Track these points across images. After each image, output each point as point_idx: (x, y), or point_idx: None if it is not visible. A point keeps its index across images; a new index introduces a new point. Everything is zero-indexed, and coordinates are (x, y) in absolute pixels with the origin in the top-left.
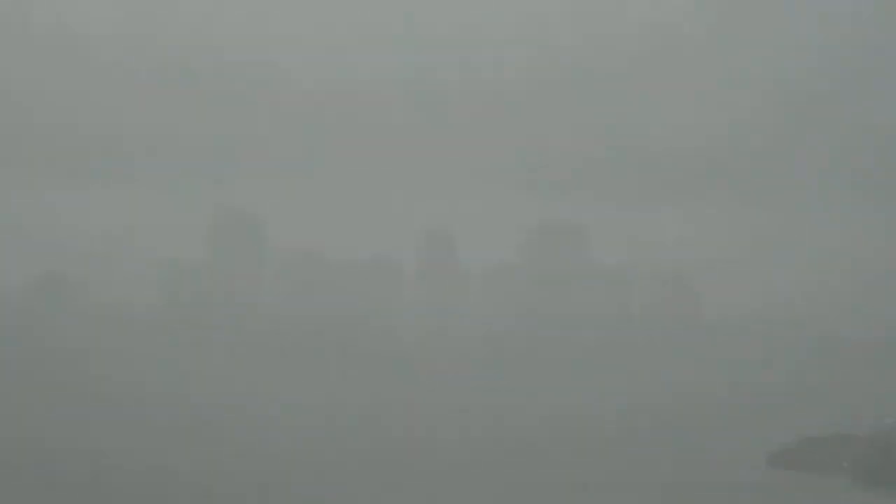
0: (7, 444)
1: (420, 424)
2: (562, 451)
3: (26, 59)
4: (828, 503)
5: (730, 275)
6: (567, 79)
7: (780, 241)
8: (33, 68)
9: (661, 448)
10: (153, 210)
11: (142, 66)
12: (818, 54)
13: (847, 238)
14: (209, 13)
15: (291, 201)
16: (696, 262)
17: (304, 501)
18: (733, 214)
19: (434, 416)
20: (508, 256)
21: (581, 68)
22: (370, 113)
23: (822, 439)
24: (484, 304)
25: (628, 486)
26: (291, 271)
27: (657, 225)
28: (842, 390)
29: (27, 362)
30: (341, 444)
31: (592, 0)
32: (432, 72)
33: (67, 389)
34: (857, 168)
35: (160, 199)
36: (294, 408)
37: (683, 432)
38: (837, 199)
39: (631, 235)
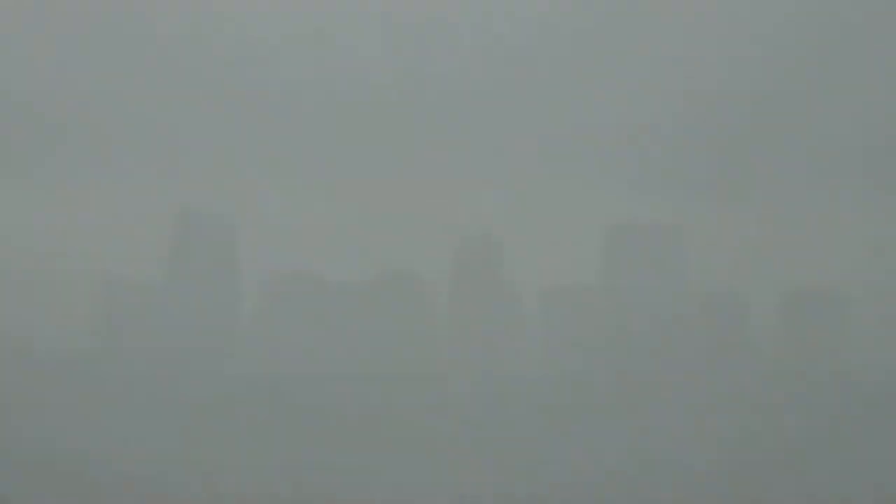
0: None
1: None
2: None
3: None
4: None
5: None
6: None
7: None
8: None
9: None
10: (89, 214)
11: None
12: None
13: None
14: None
15: (277, 209)
16: (850, 282)
17: None
18: None
19: None
20: (575, 273)
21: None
22: (375, 95)
23: None
24: (543, 337)
25: None
26: (278, 298)
27: (783, 227)
28: None
29: None
30: None
31: None
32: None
33: None
34: None
35: (100, 199)
36: None
37: None
38: None
39: (744, 241)
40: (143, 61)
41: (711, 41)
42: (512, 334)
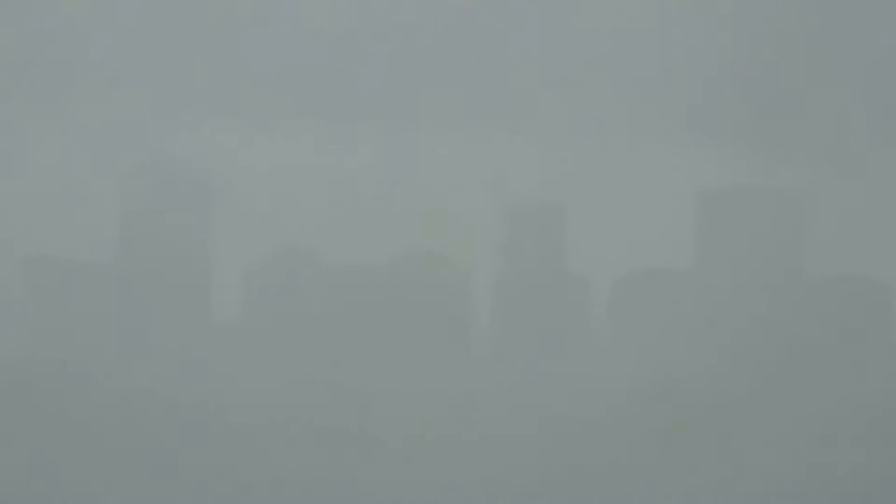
0: None
1: None
2: None
3: None
4: None
5: None
6: None
7: None
8: None
9: None
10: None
11: None
12: None
13: None
14: None
15: (264, 171)
16: None
17: None
18: None
19: None
20: (652, 255)
21: None
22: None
23: None
24: (615, 346)
25: None
26: (268, 286)
27: None
28: None
29: None
30: None
31: None
32: None
33: None
34: None
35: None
36: None
37: None
38: None
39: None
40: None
41: None
42: (575, 333)
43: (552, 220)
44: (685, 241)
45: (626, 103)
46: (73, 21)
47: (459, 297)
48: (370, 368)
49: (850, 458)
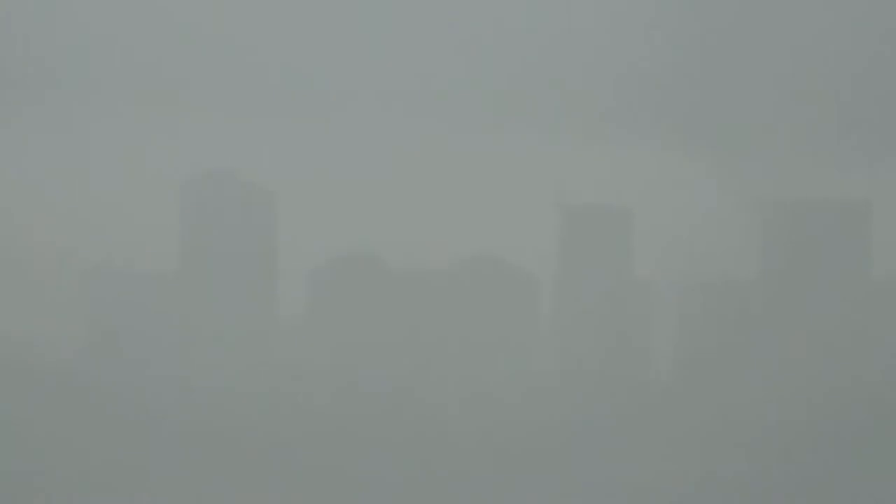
0: None
1: None
2: None
3: None
4: None
5: None
6: None
7: None
8: None
9: None
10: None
11: None
12: None
13: None
14: None
15: (318, 173)
16: None
17: None
18: None
19: None
20: (724, 263)
21: None
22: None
23: None
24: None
25: None
26: (332, 288)
27: None
28: None
29: None
30: None
31: None
32: None
33: None
34: None
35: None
36: None
37: None
38: None
39: None
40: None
41: None
42: (636, 341)
43: (615, 223)
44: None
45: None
46: (132, 32)
47: (520, 301)
48: (430, 370)
49: None
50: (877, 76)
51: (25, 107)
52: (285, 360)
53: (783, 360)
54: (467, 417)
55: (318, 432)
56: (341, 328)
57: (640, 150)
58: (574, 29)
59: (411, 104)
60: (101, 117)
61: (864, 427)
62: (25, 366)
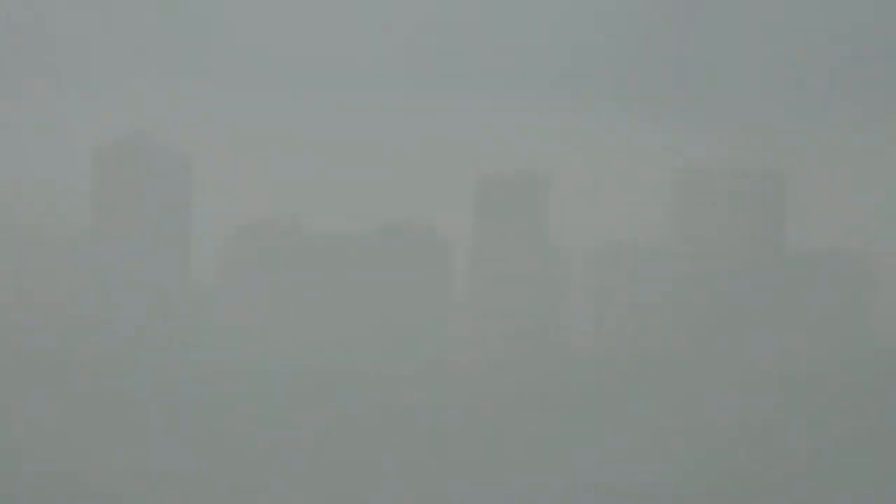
0: None
1: None
2: None
3: None
4: None
5: None
6: None
7: None
8: None
9: None
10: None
11: None
12: None
13: None
14: None
15: (235, 137)
16: None
17: None
18: None
19: None
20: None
21: None
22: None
23: None
24: (590, 318)
25: None
26: (247, 254)
27: None
28: None
29: None
30: None
31: None
32: None
33: None
34: None
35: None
36: None
37: None
38: None
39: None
40: None
41: None
42: (553, 302)
43: (532, 190)
44: (662, 218)
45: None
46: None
47: (439, 266)
48: (345, 335)
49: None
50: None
51: None
52: (198, 323)
53: (695, 325)
54: (380, 382)
55: (229, 395)
56: (256, 292)
57: (555, 117)
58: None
59: (330, 68)
60: (12, 85)
61: (763, 389)
62: None
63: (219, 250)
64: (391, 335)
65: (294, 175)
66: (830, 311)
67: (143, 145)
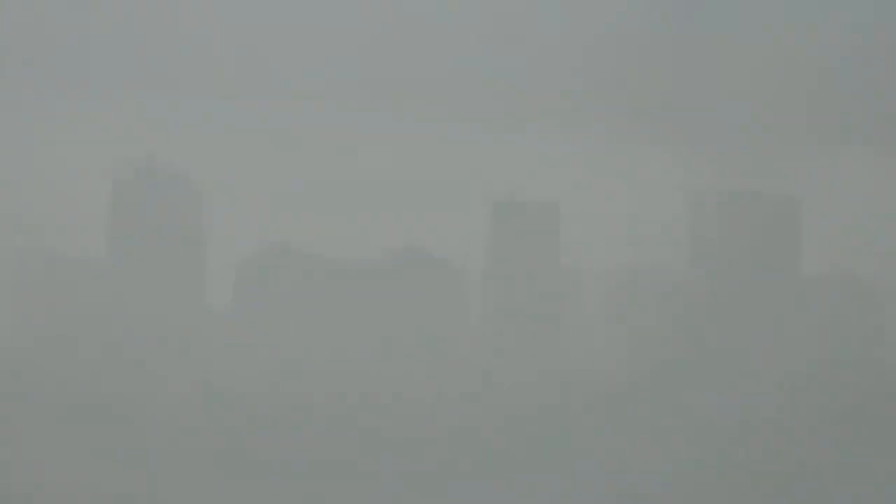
0: None
1: None
2: None
3: None
4: None
5: None
6: None
7: None
8: None
9: None
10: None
11: None
12: None
13: None
14: None
15: (247, 166)
16: None
17: None
18: None
19: None
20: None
21: None
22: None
23: None
24: (607, 340)
25: None
26: (260, 279)
27: None
28: None
29: None
30: None
31: None
32: None
33: None
34: None
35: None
36: None
37: None
38: None
39: None
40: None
41: None
42: (567, 325)
43: (546, 215)
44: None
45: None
46: (66, 24)
47: (450, 292)
48: (357, 362)
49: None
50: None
51: None
52: (213, 350)
53: (709, 349)
54: (394, 408)
55: (245, 420)
56: (268, 319)
57: (567, 144)
58: (507, 27)
59: (343, 98)
60: (35, 111)
61: (785, 412)
62: None
63: (232, 276)
64: (404, 360)
65: (307, 201)
66: (844, 332)
67: (156, 172)
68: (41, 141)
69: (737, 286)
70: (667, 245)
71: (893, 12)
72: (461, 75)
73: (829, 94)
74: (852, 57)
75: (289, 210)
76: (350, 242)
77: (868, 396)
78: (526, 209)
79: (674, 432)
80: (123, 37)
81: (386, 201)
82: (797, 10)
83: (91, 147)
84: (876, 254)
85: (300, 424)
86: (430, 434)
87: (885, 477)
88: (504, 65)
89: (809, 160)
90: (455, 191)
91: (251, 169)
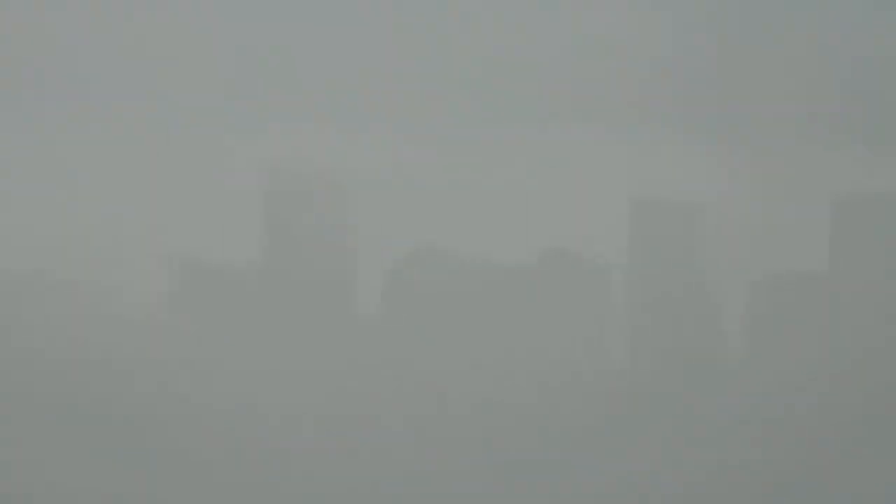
0: None
1: None
2: None
3: None
4: None
5: None
6: None
7: None
8: None
9: None
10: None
11: None
12: None
13: None
14: None
15: (396, 169)
16: None
17: None
18: None
19: None
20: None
21: None
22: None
23: None
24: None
25: None
26: (407, 283)
27: None
28: None
29: None
30: None
31: None
32: None
33: None
34: None
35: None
36: None
37: None
38: None
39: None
40: None
41: None
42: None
43: (687, 218)
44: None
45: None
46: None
47: (595, 294)
48: (506, 364)
49: None
50: None
51: (113, 104)
52: (363, 353)
53: (847, 354)
54: (543, 410)
55: (396, 427)
56: (418, 323)
57: (704, 146)
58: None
59: (487, 100)
60: (188, 114)
61: None
62: (117, 357)
63: (383, 280)
64: (550, 359)
65: (454, 205)
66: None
67: (310, 177)
68: (195, 148)
69: (876, 293)
70: (806, 249)
71: None
72: (597, 77)
73: None
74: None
75: (435, 212)
76: (497, 244)
77: None
78: (664, 209)
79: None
80: (277, 42)
81: (531, 202)
82: None
83: (246, 153)
84: None
85: (454, 425)
86: (578, 429)
87: None
88: (636, 64)
89: None
90: (597, 191)
91: (399, 173)
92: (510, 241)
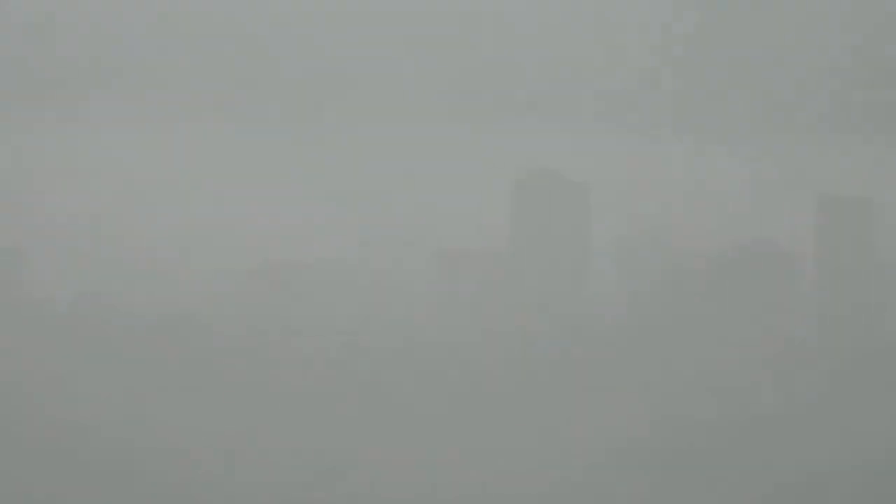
0: None
1: None
2: None
3: None
4: None
5: None
6: None
7: None
8: None
9: None
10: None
11: None
12: None
13: None
14: None
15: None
16: None
17: None
18: None
19: None
20: None
21: None
22: None
23: None
24: None
25: None
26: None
27: None
28: None
29: None
30: None
31: None
32: None
33: None
34: None
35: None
36: None
37: None
38: None
39: None
40: None
41: None
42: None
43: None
44: None
45: None
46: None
47: (784, 281)
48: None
49: None
50: None
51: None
52: (592, 329)
53: None
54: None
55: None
56: (635, 307)
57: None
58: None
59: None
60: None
61: None
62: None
63: (614, 264)
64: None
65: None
66: None
67: (552, 178)
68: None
69: None
70: None
71: None
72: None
73: None
74: None
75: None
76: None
77: None
78: (845, 203)
79: None
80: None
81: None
82: None
83: (500, 157)
84: None
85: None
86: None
87: None
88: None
89: None
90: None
91: (628, 174)
92: (710, 235)
